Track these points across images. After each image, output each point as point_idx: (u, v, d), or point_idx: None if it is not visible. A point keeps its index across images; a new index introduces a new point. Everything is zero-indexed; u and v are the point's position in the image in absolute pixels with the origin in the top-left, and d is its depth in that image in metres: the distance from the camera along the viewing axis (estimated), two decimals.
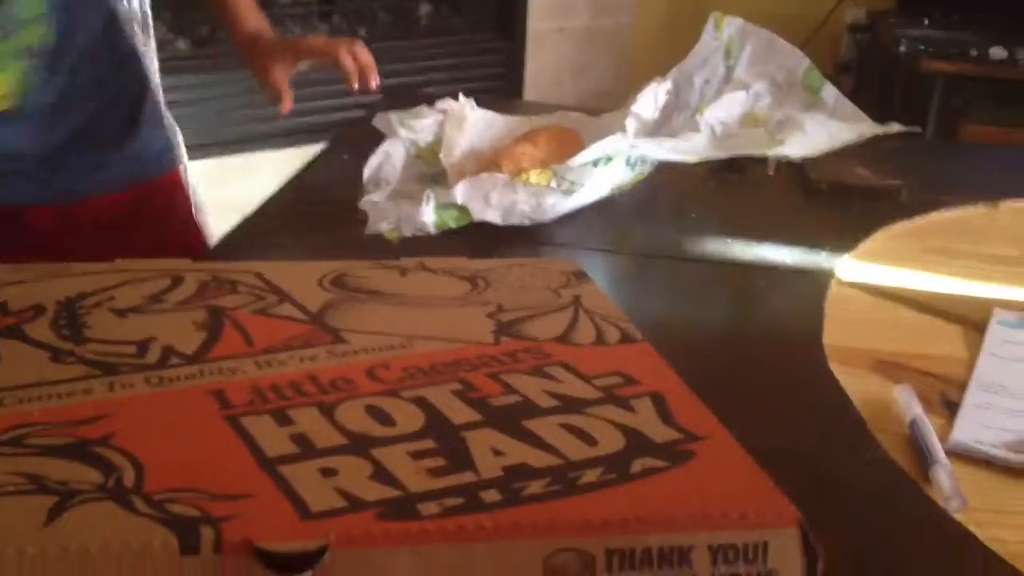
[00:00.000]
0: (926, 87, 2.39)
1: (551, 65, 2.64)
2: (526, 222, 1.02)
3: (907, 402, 0.74)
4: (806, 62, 1.17)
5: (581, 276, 0.80)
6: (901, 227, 1.08)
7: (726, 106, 1.14)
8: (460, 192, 0.98)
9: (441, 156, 1.11)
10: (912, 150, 1.29)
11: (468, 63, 2.52)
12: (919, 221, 1.10)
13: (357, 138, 1.19)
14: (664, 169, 1.10)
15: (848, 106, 1.14)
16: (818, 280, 0.96)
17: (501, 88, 2.59)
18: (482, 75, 2.56)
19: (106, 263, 0.74)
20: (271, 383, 0.58)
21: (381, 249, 0.95)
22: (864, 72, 2.66)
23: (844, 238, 1.04)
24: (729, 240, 1.04)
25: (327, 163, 1.22)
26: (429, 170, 1.12)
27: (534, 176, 1.01)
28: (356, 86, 1.13)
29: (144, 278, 0.73)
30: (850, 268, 0.99)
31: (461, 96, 1.20)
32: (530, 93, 2.61)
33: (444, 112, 1.17)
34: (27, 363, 0.59)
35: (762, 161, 1.17)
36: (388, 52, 2.27)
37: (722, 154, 1.07)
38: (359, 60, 1.13)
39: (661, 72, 1.23)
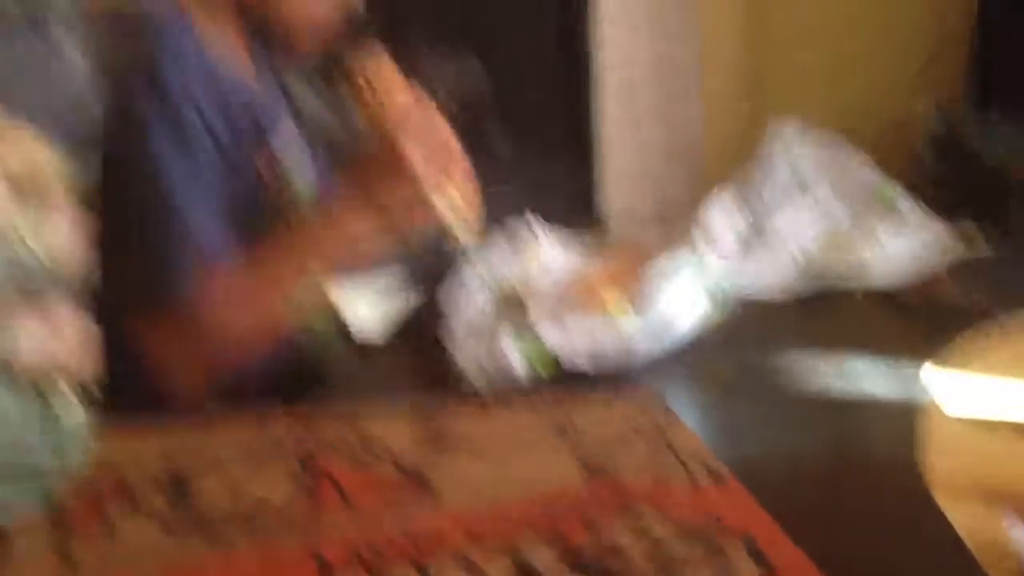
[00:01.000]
0: (1008, 187, 2.34)
1: (624, 176, 2.67)
2: (610, 358, 1.01)
3: (1021, 538, 0.70)
4: (877, 173, 1.16)
5: (667, 413, 0.80)
6: (993, 341, 1.05)
7: (799, 221, 1.13)
8: (542, 329, 0.99)
9: (519, 288, 1.12)
10: (1000, 261, 1.25)
11: (542, 180, 2.56)
12: (1012, 334, 1.07)
13: (439, 274, 1.22)
14: (749, 297, 1.09)
15: (925, 217, 1.12)
16: (912, 405, 0.93)
17: (576, 201, 2.62)
18: (556, 191, 2.60)
19: (205, 417, 0.77)
20: (367, 541, 0.59)
21: (468, 388, 0.95)
22: (942, 167, 2.63)
23: (937, 359, 1.00)
24: (818, 367, 1.02)
25: (412, 301, 1.24)
26: (509, 303, 1.14)
27: (611, 304, 1.01)
28: None
29: (241, 430, 0.75)
30: (945, 390, 0.96)
31: (536, 225, 1.23)
32: (604, 205, 2.64)
33: (519, 242, 1.19)
34: (138, 532, 0.60)
35: None
36: None
37: (804, 282, 1.06)
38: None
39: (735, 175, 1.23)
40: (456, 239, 1.00)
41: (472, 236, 1.01)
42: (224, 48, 1.05)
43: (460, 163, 0.99)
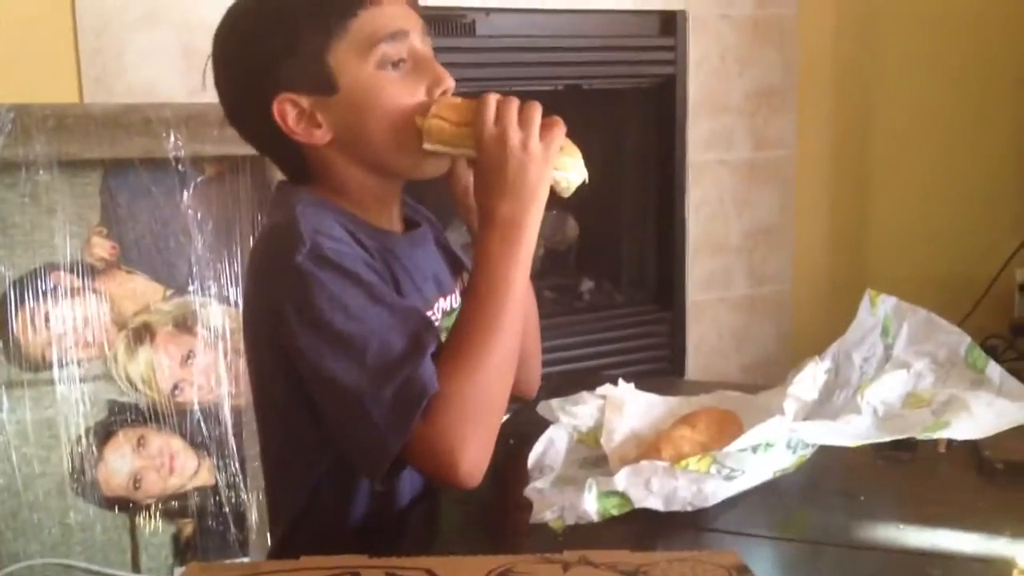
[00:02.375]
0: None
1: (712, 334, 2.68)
2: (688, 508, 1.02)
3: None
4: (967, 341, 1.17)
5: (743, 571, 0.80)
6: None
7: (888, 386, 1.13)
8: (621, 479, 1.00)
9: (602, 441, 1.14)
10: None
11: (631, 335, 2.59)
12: None
13: (521, 424, 1.24)
14: (829, 448, 1.09)
15: (1015, 384, 1.12)
16: (998, 569, 0.91)
17: (663, 358, 2.64)
18: (644, 346, 2.62)
19: (292, 561, 0.80)
20: None
21: (546, 536, 0.96)
22: None
23: None
24: (901, 525, 1.01)
25: (493, 449, 1.26)
26: (591, 454, 1.15)
27: (694, 462, 1.02)
28: None
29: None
30: None
31: (621, 381, 1.25)
32: (692, 362, 2.64)
33: (604, 397, 1.21)
34: None
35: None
36: (553, 329, 2.38)
37: (885, 437, 1.06)
38: None
39: (823, 337, 1.24)
40: (574, 182, 1.04)
41: (584, 173, 1.04)
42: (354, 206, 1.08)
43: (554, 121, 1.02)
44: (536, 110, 1.00)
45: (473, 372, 0.96)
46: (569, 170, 1.03)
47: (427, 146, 1.03)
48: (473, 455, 0.95)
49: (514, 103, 1.00)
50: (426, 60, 1.05)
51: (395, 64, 1.03)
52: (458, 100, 1.04)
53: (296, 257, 0.95)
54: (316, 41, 1.01)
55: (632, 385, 1.25)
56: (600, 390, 1.23)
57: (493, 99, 1.00)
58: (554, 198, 1.04)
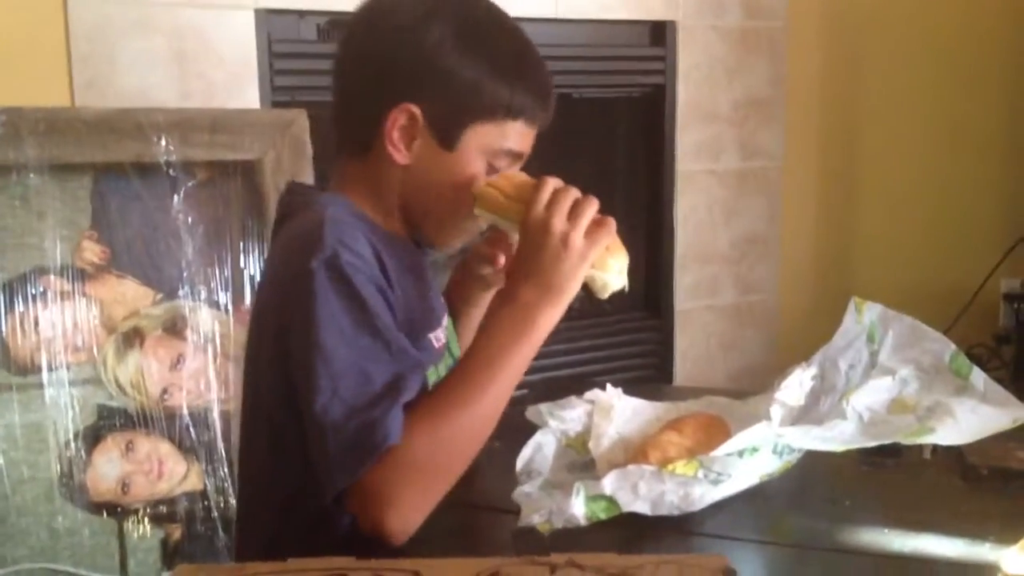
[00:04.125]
0: None
1: (700, 341, 2.69)
2: (675, 512, 1.03)
3: None
4: (952, 348, 1.18)
5: (730, 574, 0.81)
6: None
7: (873, 392, 1.14)
8: (609, 483, 1.01)
9: (590, 446, 1.15)
10: None
11: (619, 341, 2.60)
12: None
13: (509, 428, 1.25)
14: (815, 453, 1.09)
15: (999, 391, 1.13)
16: (983, 574, 0.92)
17: (651, 364, 2.65)
18: (633, 353, 2.63)
19: (279, 563, 0.80)
20: None
21: (533, 540, 0.97)
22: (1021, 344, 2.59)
23: (1008, 527, 0.99)
24: (886, 530, 1.02)
25: (481, 453, 1.27)
26: (579, 459, 1.16)
27: (681, 466, 1.03)
28: None
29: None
30: (1017, 561, 0.95)
31: (609, 386, 1.26)
32: (679, 369, 2.65)
33: (592, 402, 1.22)
34: None
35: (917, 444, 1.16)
36: None
37: (871, 442, 1.07)
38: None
39: (809, 345, 1.26)
40: (611, 287, 1.04)
41: (624, 279, 1.05)
42: (384, 221, 1.10)
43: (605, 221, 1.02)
44: (590, 206, 1.00)
45: (439, 438, 0.97)
46: (610, 272, 1.04)
47: (477, 211, 1.06)
48: (405, 516, 0.95)
49: (571, 193, 1.00)
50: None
51: (495, 159, 1.08)
52: (520, 176, 1.06)
53: (312, 262, 0.96)
54: (477, 104, 1.05)
55: (620, 390, 1.26)
56: (588, 395, 1.24)
57: (551, 184, 1.01)
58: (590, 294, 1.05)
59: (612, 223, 1.01)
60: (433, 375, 1.09)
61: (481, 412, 0.99)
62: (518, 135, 1.08)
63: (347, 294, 0.96)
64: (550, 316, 1.00)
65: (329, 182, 1.15)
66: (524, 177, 1.05)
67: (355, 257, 0.97)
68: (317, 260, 0.95)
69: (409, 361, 0.99)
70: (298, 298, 0.97)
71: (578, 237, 0.98)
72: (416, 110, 1.03)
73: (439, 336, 1.12)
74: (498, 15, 1.10)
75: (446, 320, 1.18)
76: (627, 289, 1.05)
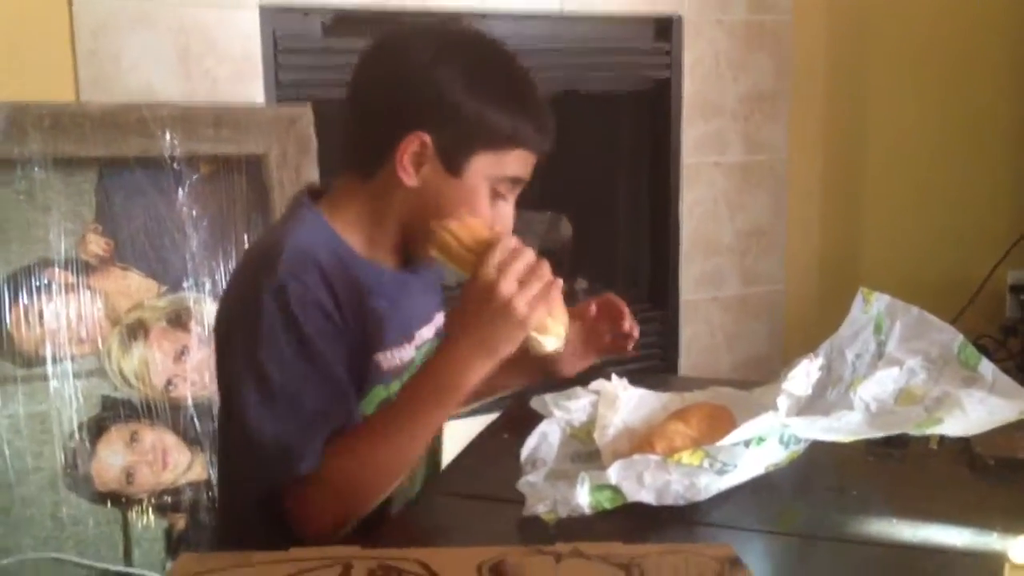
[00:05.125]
0: None
1: (705, 333, 2.69)
2: (680, 502, 1.02)
3: None
4: (960, 338, 1.17)
5: (735, 563, 0.80)
6: None
7: (880, 383, 1.14)
8: (614, 473, 1.00)
9: (595, 435, 1.14)
10: None
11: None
12: None
13: (516, 418, 1.25)
14: (821, 443, 1.09)
15: (1007, 382, 1.12)
16: (989, 564, 0.91)
17: (656, 356, 2.65)
18: (638, 344, 2.62)
19: (283, 552, 0.80)
20: None
21: (539, 529, 0.97)
22: None
23: (1015, 517, 0.99)
24: (893, 520, 1.01)
25: (486, 443, 1.27)
26: (583, 449, 1.16)
27: (686, 456, 1.02)
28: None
29: (316, 567, 0.78)
30: None
31: (614, 376, 1.25)
32: (685, 360, 2.65)
33: (597, 392, 1.22)
34: None
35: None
36: None
37: (878, 433, 1.06)
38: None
39: (814, 336, 1.25)
40: (546, 348, 1.05)
41: (561, 343, 1.06)
42: (365, 245, 1.15)
43: (553, 284, 1.03)
44: (542, 271, 1.02)
45: (353, 469, 1.03)
46: (548, 334, 1.04)
47: (432, 252, 1.07)
48: (318, 532, 1.01)
49: (523, 258, 1.01)
50: (509, 203, 1.16)
51: (496, 184, 1.13)
52: (478, 227, 1.07)
53: (262, 291, 1.04)
54: (481, 134, 1.11)
55: (625, 381, 1.25)
56: (593, 385, 1.24)
57: (507, 245, 1.02)
58: None
59: (556, 291, 1.03)
60: (382, 393, 1.15)
61: (398, 453, 1.05)
62: (518, 162, 1.14)
63: (290, 323, 1.03)
64: (479, 372, 1.03)
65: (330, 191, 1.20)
66: (482, 229, 1.07)
67: (303, 288, 1.05)
68: (267, 287, 1.04)
69: (340, 392, 1.07)
70: (245, 319, 1.05)
71: (521, 304, 1.00)
72: (427, 138, 1.10)
73: (395, 355, 1.16)
74: (500, 53, 1.17)
75: (422, 336, 1.22)
76: (560, 351, 1.08)
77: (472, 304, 1.02)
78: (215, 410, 1.82)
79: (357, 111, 1.17)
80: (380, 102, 1.14)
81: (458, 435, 1.25)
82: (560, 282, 1.03)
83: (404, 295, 1.19)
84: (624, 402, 1.21)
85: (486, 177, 1.13)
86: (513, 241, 1.03)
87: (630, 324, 1.36)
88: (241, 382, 1.04)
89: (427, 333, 1.23)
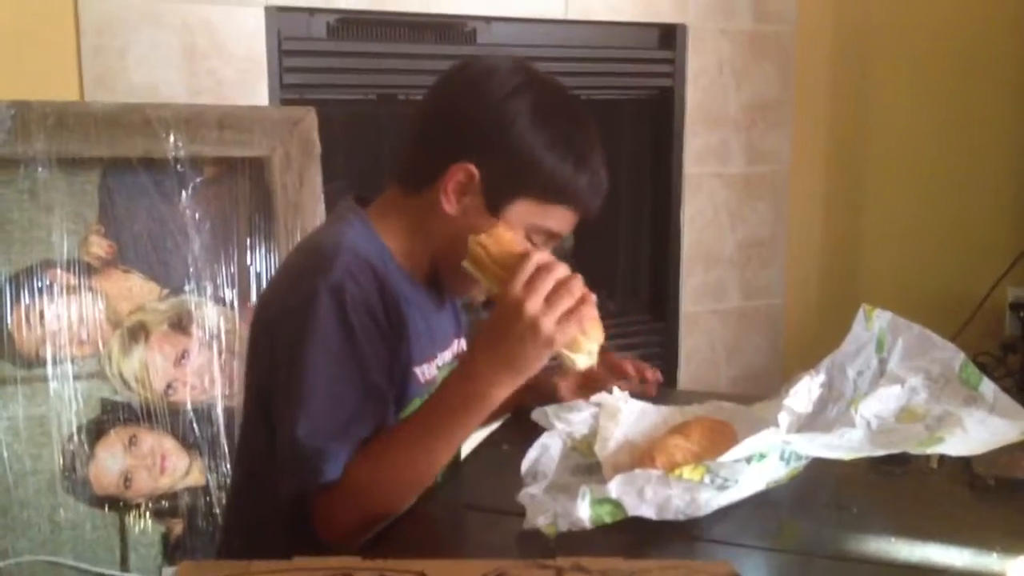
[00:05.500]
0: None
1: (705, 344, 2.69)
2: (680, 517, 1.02)
3: None
4: (961, 357, 1.17)
5: None
6: None
7: (881, 400, 1.14)
8: (615, 487, 1.00)
9: (596, 449, 1.14)
10: None
11: (624, 344, 2.60)
12: None
13: (517, 430, 1.24)
14: (822, 461, 1.09)
15: (1008, 402, 1.13)
16: None
17: (656, 368, 2.64)
18: (637, 355, 2.62)
19: (284, 561, 0.80)
20: None
21: (539, 542, 0.96)
22: None
23: (1015, 537, 0.99)
24: (893, 538, 1.01)
25: (487, 455, 1.27)
26: (584, 462, 1.15)
27: (688, 471, 1.02)
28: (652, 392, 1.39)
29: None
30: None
31: (615, 389, 1.25)
32: (685, 372, 2.65)
33: (599, 405, 1.22)
34: None
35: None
36: None
37: (879, 451, 1.06)
38: (640, 371, 1.39)
39: (814, 350, 1.25)
40: (578, 366, 1.03)
41: (594, 360, 1.04)
42: (403, 257, 1.16)
43: (585, 300, 1.01)
44: (568, 292, 0.98)
45: (377, 480, 1.02)
46: (580, 352, 1.02)
47: (464, 264, 1.06)
48: (340, 537, 1.02)
49: (553, 274, 0.99)
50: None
51: (533, 234, 1.13)
52: (509, 236, 1.06)
53: (319, 283, 1.03)
54: (531, 180, 1.11)
55: (627, 393, 1.25)
56: (595, 398, 1.23)
57: (535, 262, 0.99)
58: None
59: (589, 306, 1.00)
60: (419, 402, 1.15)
61: (420, 466, 1.05)
62: (560, 218, 1.14)
63: (342, 322, 1.03)
64: (503, 391, 1.02)
65: (374, 202, 1.20)
66: (515, 244, 1.05)
67: (358, 290, 1.05)
68: (325, 283, 1.03)
69: (378, 399, 1.06)
70: (298, 311, 1.04)
71: (548, 324, 0.97)
72: (475, 171, 1.10)
73: (427, 371, 1.17)
74: (575, 105, 1.18)
75: (443, 358, 1.22)
76: (594, 368, 1.06)
77: (499, 322, 1.00)
78: (214, 415, 1.81)
79: (421, 126, 1.17)
80: (443, 121, 1.14)
81: None
82: (593, 297, 1.00)
83: (432, 314, 1.20)
84: (625, 415, 1.21)
85: (523, 223, 1.12)
86: (544, 257, 1.00)
87: (652, 374, 1.43)
88: (287, 381, 1.03)
89: (447, 356, 1.23)
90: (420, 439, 1.04)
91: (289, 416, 1.02)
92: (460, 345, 1.28)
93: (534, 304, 0.97)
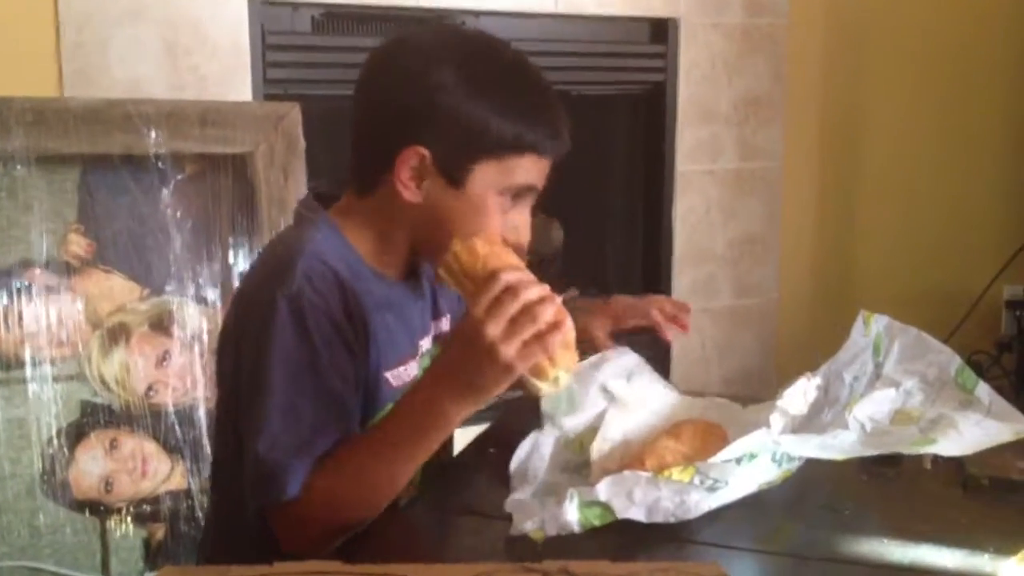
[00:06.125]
0: None
1: (696, 344, 2.68)
2: (670, 519, 1.00)
3: None
4: (957, 361, 1.17)
5: None
6: None
7: (876, 403, 1.13)
8: (603, 489, 0.99)
9: (592, 446, 1.13)
10: None
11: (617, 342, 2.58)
12: None
13: (504, 433, 1.23)
14: (814, 462, 1.08)
15: (1004, 405, 1.12)
16: None
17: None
18: None
19: (264, 567, 0.78)
20: None
21: (527, 547, 0.95)
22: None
23: (1007, 539, 0.98)
24: (885, 540, 1.00)
25: (473, 458, 1.25)
26: (575, 459, 1.14)
27: (677, 472, 1.01)
28: (670, 337, 1.38)
29: None
30: (1016, 572, 0.93)
31: (626, 349, 1.25)
32: (676, 371, 2.64)
33: (611, 400, 1.21)
34: None
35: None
36: None
37: (872, 452, 1.05)
38: (667, 311, 1.37)
39: (807, 349, 1.24)
40: (540, 393, 1.00)
41: (559, 388, 1.00)
42: (374, 257, 1.12)
43: (558, 326, 0.96)
44: (540, 314, 0.93)
45: (336, 495, 1.00)
46: (545, 379, 0.97)
47: (440, 271, 1.04)
48: (303, 550, 0.98)
49: (520, 298, 0.93)
50: (523, 212, 1.12)
51: (505, 194, 1.09)
52: (486, 251, 1.01)
53: (278, 293, 1.02)
54: (481, 142, 1.07)
55: (640, 359, 1.27)
56: (594, 358, 1.24)
57: (503, 283, 0.95)
58: None
59: (560, 332, 0.95)
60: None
61: (381, 478, 1.02)
62: (527, 169, 1.09)
63: (301, 333, 1.02)
64: (464, 410, 0.99)
65: (335, 206, 1.17)
66: (490, 258, 1.00)
67: (318, 297, 1.03)
68: (282, 293, 1.01)
69: (340, 408, 1.05)
70: (258, 323, 1.03)
71: (508, 351, 0.93)
72: (425, 152, 1.06)
73: (402, 374, 1.14)
74: (501, 53, 1.13)
75: (423, 348, 1.19)
76: (558, 394, 1.06)
77: (458, 343, 0.99)
78: (196, 417, 1.80)
79: (356, 125, 1.13)
80: (376, 114, 1.11)
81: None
82: (569, 323, 0.96)
83: (408, 307, 1.17)
84: (633, 415, 1.19)
85: (492, 187, 1.08)
86: (514, 277, 0.95)
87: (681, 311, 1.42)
88: (248, 395, 1.03)
89: (427, 344, 1.20)
90: (381, 452, 1.01)
91: (252, 431, 1.01)
92: (442, 326, 1.24)
93: (494, 329, 0.93)
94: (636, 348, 1.36)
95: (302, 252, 1.05)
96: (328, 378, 1.03)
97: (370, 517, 1.03)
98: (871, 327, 1.20)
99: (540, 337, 0.94)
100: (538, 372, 0.97)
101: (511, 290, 0.94)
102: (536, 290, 0.95)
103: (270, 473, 0.99)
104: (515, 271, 0.97)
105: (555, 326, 0.94)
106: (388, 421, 1.05)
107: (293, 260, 1.04)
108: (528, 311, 0.93)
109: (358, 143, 1.13)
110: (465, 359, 0.97)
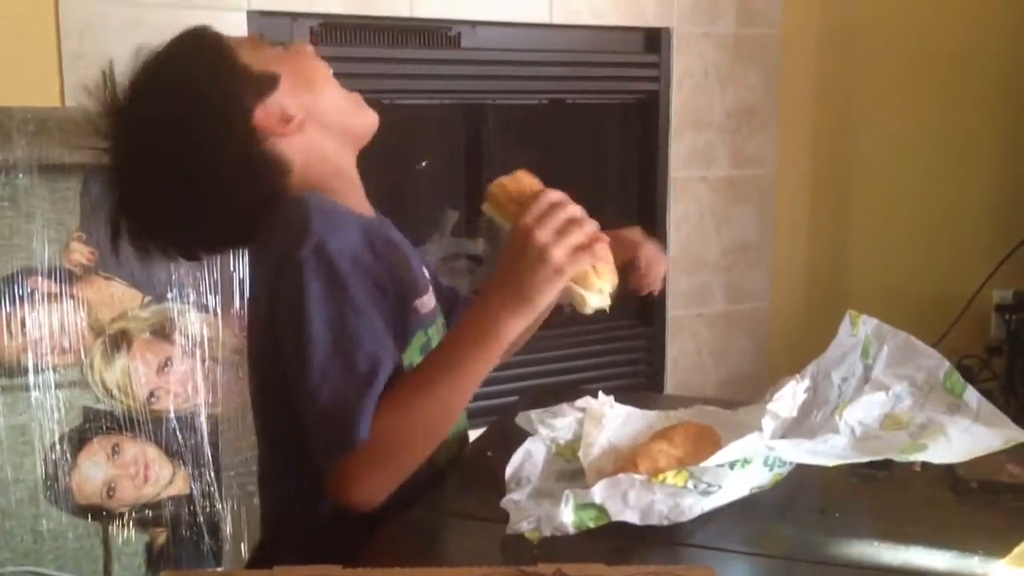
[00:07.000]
0: None
1: (691, 349, 2.69)
2: (664, 522, 1.02)
3: None
4: (946, 365, 1.17)
5: None
6: None
7: (866, 407, 1.14)
8: (598, 492, 1.00)
9: (580, 454, 1.14)
10: None
11: (610, 349, 2.60)
12: None
13: (500, 436, 1.24)
14: (806, 465, 1.09)
15: (992, 410, 1.13)
16: None
17: (642, 372, 2.65)
18: (624, 360, 2.63)
19: (265, 571, 0.79)
20: None
21: (522, 548, 0.96)
22: (1017, 354, 2.59)
23: (997, 540, 0.99)
24: (876, 542, 1.01)
25: (470, 461, 1.26)
26: (568, 467, 1.15)
27: (671, 476, 1.02)
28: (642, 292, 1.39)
29: None
30: (1006, 575, 0.94)
31: (600, 394, 1.25)
32: (671, 377, 2.65)
33: (583, 410, 1.21)
34: None
35: None
36: (533, 342, 2.36)
37: (862, 457, 1.06)
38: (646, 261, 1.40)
39: (800, 354, 1.25)
40: (589, 304, 1.03)
41: (605, 302, 1.04)
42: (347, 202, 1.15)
43: (598, 236, 1.02)
44: (580, 228, 0.99)
45: (402, 427, 1.00)
46: (591, 289, 1.02)
47: (484, 207, 1.07)
48: (368, 497, 1.00)
49: (566, 211, 1.00)
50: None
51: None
52: (531, 181, 1.06)
53: (301, 250, 1.01)
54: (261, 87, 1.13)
55: (612, 398, 1.25)
56: (579, 402, 1.23)
57: (548, 198, 1.00)
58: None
59: (602, 248, 1.01)
60: (423, 338, 1.15)
61: (443, 407, 1.03)
62: (266, 61, 1.16)
63: (333, 281, 1.01)
64: (515, 324, 1.01)
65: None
66: (534, 184, 1.06)
67: (342, 242, 1.03)
68: (306, 248, 1.01)
69: (387, 346, 1.04)
70: (288, 285, 1.02)
71: (558, 253, 0.98)
72: (258, 109, 1.11)
73: (426, 302, 1.17)
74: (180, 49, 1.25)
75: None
76: (608, 311, 1.06)
77: (509, 254, 1.01)
78: (198, 423, 1.81)
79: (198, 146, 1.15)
80: (202, 125, 1.13)
81: None
82: (607, 240, 1.01)
83: (404, 241, 1.20)
84: (610, 420, 1.21)
85: (295, 94, 1.14)
86: (558, 195, 1.01)
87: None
88: (296, 354, 1.01)
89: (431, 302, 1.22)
90: (437, 380, 1.02)
91: (310, 389, 1.00)
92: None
93: (544, 233, 0.98)
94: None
95: (310, 210, 1.05)
96: (369, 316, 1.03)
97: (429, 449, 1.03)
98: (859, 327, 1.21)
99: (587, 246, 0.99)
100: (584, 281, 1.01)
101: (558, 204, 1.00)
102: (579, 208, 1.01)
103: (339, 420, 0.99)
104: (558, 192, 1.02)
105: (597, 238, 1.00)
106: (440, 347, 1.07)
107: (306, 219, 1.04)
108: (575, 223, 0.99)
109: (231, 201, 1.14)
110: (517, 267, 0.99)
